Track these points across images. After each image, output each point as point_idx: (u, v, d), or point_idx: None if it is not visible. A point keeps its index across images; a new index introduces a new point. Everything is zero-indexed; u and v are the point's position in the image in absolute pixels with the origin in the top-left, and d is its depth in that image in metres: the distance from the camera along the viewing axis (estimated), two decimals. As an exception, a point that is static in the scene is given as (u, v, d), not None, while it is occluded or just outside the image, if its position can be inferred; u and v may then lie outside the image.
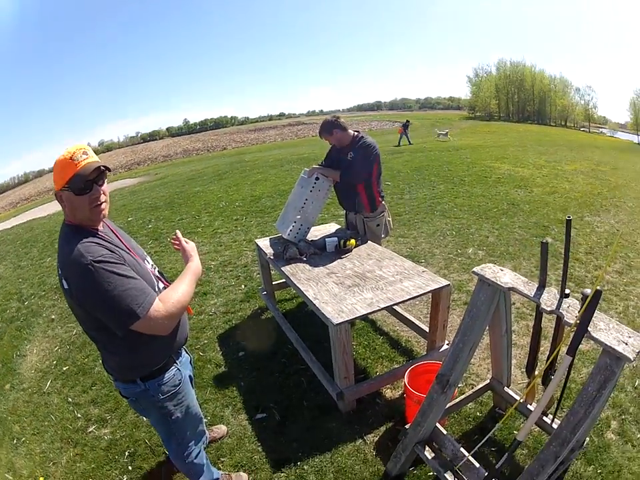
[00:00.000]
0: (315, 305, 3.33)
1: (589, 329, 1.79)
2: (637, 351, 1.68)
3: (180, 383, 2.28)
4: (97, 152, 1.98)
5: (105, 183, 1.97)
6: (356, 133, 4.44)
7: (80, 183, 1.82)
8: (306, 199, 4.34)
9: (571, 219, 1.92)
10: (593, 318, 1.80)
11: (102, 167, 1.89)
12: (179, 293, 1.96)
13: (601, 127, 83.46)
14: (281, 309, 5.18)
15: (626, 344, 1.70)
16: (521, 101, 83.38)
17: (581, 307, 1.79)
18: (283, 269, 4.03)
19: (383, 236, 4.76)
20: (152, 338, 1.96)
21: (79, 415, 3.86)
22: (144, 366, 2.11)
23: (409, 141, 25.86)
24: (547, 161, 15.77)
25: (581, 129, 71.36)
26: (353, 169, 4.28)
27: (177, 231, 2.47)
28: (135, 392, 2.17)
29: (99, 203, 1.92)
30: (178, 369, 2.28)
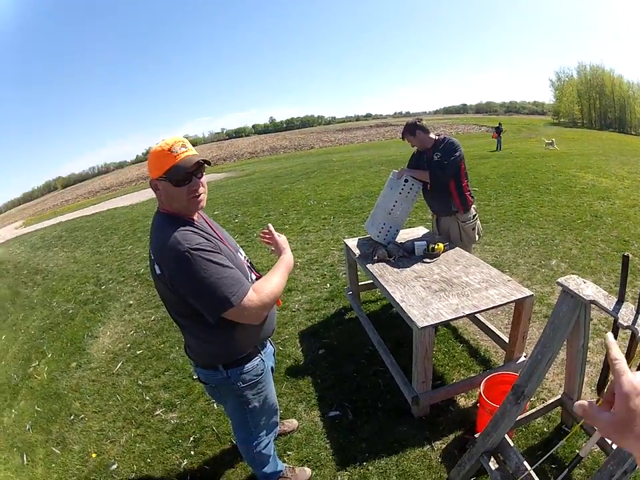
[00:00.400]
0: (401, 307, 3.37)
1: None
2: None
3: (262, 373, 2.33)
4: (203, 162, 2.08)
5: (204, 175, 2.03)
6: (438, 137, 4.47)
7: (179, 175, 1.87)
8: (395, 201, 4.38)
9: None
10: None
11: (201, 161, 1.94)
12: (272, 283, 2.02)
13: (681, 136, 79.37)
14: (365, 310, 5.22)
15: None
16: (602, 107, 79.92)
17: None
18: (370, 269, 4.11)
19: (476, 240, 4.77)
20: (241, 327, 2.05)
21: (147, 398, 4.03)
22: (229, 353, 2.16)
23: (499, 146, 24.62)
24: (629, 171, 15.15)
25: None
26: (442, 167, 4.29)
27: (269, 224, 2.57)
28: (215, 378, 2.23)
29: (197, 194, 1.98)
30: (262, 359, 2.33)
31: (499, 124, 26.70)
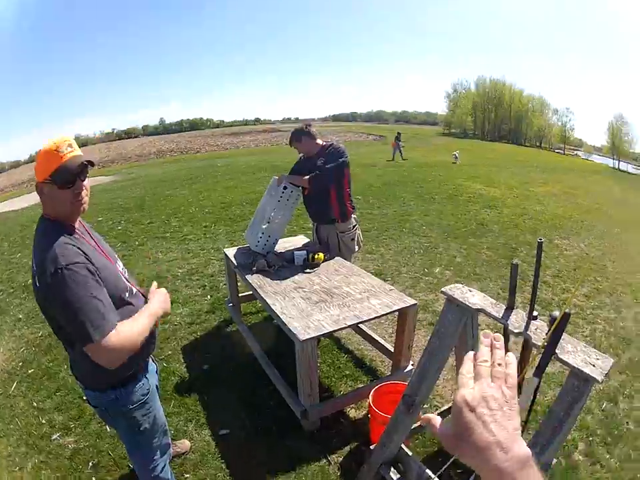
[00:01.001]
0: (281, 319, 3.28)
1: (556, 351, 1.79)
2: (605, 372, 1.68)
3: (148, 392, 2.23)
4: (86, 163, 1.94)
5: (87, 178, 1.94)
6: (325, 143, 4.43)
7: (64, 176, 1.79)
8: (274, 209, 4.31)
9: (542, 241, 1.91)
10: (560, 340, 1.80)
11: (86, 162, 1.87)
12: (135, 330, 1.88)
13: (577, 150, 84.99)
14: (246, 321, 5.12)
15: (593, 365, 1.71)
16: (497, 119, 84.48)
17: (549, 329, 1.77)
18: (250, 280, 3.98)
19: (356, 250, 4.73)
20: None
21: (44, 421, 3.79)
22: (115, 373, 1.98)
23: (401, 156, 24.21)
24: (519, 181, 16.00)
25: (556, 151, 72.55)
26: (323, 172, 4.23)
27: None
28: (104, 401, 2.11)
29: (80, 198, 1.89)
30: (146, 377, 2.24)
31: (398, 133, 26.43)
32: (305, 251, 4.29)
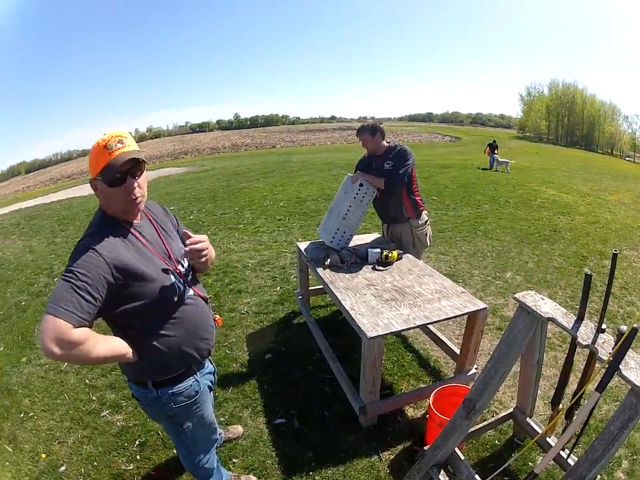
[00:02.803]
0: (350, 315, 3.29)
1: (620, 366, 1.74)
2: None
3: (196, 395, 2.19)
4: (144, 138, 1.93)
5: (144, 174, 1.90)
6: (389, 144, 4.43)
7: (112, 175, 1.75)
8: (350, 206, 4.30)
9: (617, 253, 1.88)
10: (625, 356, 1.76)
11: (135, 159, 1.81)
12: (95, 352, 1.68)
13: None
14: (314, 315, 5.15)
15: None
16: (570, 124, 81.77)
17: (616, 344, 1.75)
18: (322, 274, 4.01)
19: (428, 245, 4.76)
20: (167, 343, 1.97)
21: (94, 398, 3.89)
22: (157, 371, 2.04)
23: (492, 165, 20.69)
24: (592, 189, 15.47)
25: (626, 158, 69.75)
26: (395, 175, 4.24)
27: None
28: (146, 397, 2.10)
29: (133, 197, 1.84)
30: (197, 380, 2.20)
31: (493, 141, 22.85)
32: (378, 249, 4.27)
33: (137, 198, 1.86)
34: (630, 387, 1.71)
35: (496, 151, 21.21)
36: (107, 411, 3.72)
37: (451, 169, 18.93)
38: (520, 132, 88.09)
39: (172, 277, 1.99)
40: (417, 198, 4.47)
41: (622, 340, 1.70)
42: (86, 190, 17.60)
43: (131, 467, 3.17)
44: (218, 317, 2.39)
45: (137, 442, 3.39)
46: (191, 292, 2.13)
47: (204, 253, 2.07)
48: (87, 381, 4.11)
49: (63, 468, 3.18)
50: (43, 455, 3.28)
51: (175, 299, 1.99)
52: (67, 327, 1.56)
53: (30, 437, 3.50)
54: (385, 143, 4.42)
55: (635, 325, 1.68)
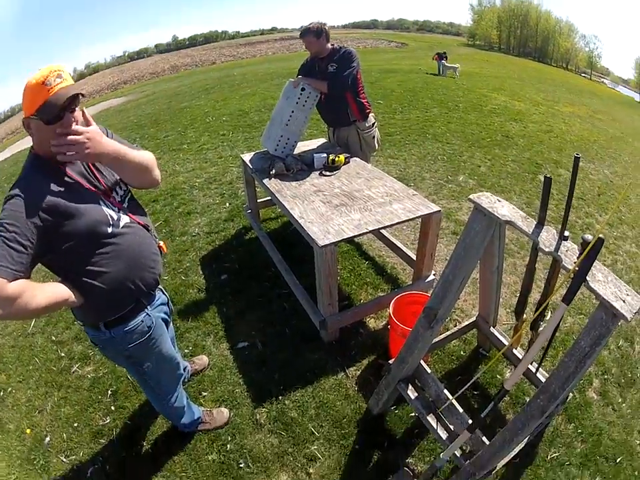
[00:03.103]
0: (300, 224, 3.22)
1: (587, 278, 1.66)
2: (635, 310, 1.56)
3: (150, 330, 2.13)
4: (83, 75, 1.78)
5: (77, 109, 1.76)
6: (333, 46, 4.27)
7: (51, 112, 1.64)
8: (292, 111, 4.15)
9: (579, 157, 1.77)
10: (592, 267, 1.67)
11: (76, 94, 1.69)
12: (35, 303, 1.62)
13: (603, 77, 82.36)
14: (265, 228, 5.07)
15: (623, 301, 1.59)
16: (523, 36, 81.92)
17: (581, 253, 1.65)
18: (268, 185, 3.89)
19: (376, 148, 4.66)
20: (107, 280, 1.88)
21: (63, 354, 3.80)
22: (103, 310, 1.98)
23: (440, 71, 20.50)
24: (545, 99, 15.52)
25: (582, 75, 70.55)
26: (339, 77, 4.10)
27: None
28: (101, 339, 2.05)
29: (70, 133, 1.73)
30: (147, 314, 2.13)
31: (444, 52, 22.23)
32: (324, 154, 4.14)
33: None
34: (599, 301, 1.64)
35: (444, 59, 20.71)
36: (77, 365, 3.64)
37: (397, 73, 18.65)
38: (469, 40, 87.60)
39: (103, 207, 1.89)
40: (363, 100, 4.34)
41: (588, 249, 1.61)
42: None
43: (108, 421, 3.13)
44: (162, 243, 2.26)
45: (109, 392, 3.33)
46: (127, 219, 2.01)
47: (75, 147, 1.71)
48: (53, 337, 4.02)
49: (47, 439, 3.11)
50: (28, 430, 3.20)
51: (109, 230, 1.88)
52: (2, 283, 1.49)
53: (12, 414, 3.40)
54: (329, 45, 4.25)
55: (600, 235, 1.58)
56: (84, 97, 1.79)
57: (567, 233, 1.85)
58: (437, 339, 2.95)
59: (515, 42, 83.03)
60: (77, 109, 1.74)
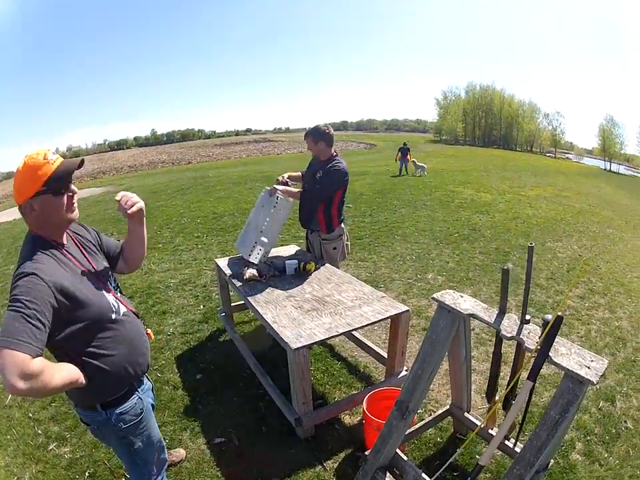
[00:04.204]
0: (273, 328, 3.28)
1: (550, 354, 1.81)
2: (600, 374, 1.70)
3: (142, 412, 2.19)
4: (64, 157, 1.94)
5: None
6: (333, 154, 4.43)
7: (61, 181, 1.80)
8: (267, 219, 4.26)
9: (533, 246, 1.94)
10: (554, 343, 1.81)
11: (82, 160, 1.90)
12: (54, 382, 1.62)
13: (567, 153, 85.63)
14: (239, 331, 5.10)
15: (588, 367, 1.73)
16: (487, 125, 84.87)
17: (542, 333, 1.80)
18: (241, 290, 3.97)
19: (340, 259, 4.76)
20: (110, 363, 1.94)
21: (39, 432, 3.76)
22: (102, 392, 2.02)
23: (401, 171, 20.60)
24: (510, 186, 16.03)
25: (547, 154, 73.02)
26: (314, 191, 4.28)
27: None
28: (95, 420, 2.07)
29: (74, 201, 1.91)
30: (140, 397, 2.19)
31: (404, 144, 21.85)
32: (296, 260, 4.28)
33: (74, 203, 1.93)
34: (564, 372, 1.78)
35: (408, 155, 20.84)
36: (54, 444, 3.60)
37: (366, 175, 19.27)
38: (436, 135, 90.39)
39: (106, 295, 2.00)
40: (333, 214, 4.45)
41: (547, 328, 1.76)
42: (10, 215, 16.97)
43: (85, 501, 3.07)
44: (149, 330, 2.38)
45: (87, 474, 3.29)
46: (124, 308, 2.12)
47: (134, 200, 2.10)
48: (30, 414, 4.00)
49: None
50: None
51: (113, 316, 1.99)
52: (26, 359, 1.50)
53: (-8, 475, 3.40)
54: (332, 150, 4.44)
55: (559, 313, 1.72)
56: (83, 164, 1.95)
57: (528, 317, 2.00)
58: (411, 429, 3.00)
59: (480, 132, 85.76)
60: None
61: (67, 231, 2.02)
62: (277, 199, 4.25)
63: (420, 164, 20.31)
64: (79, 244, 2.07)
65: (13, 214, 17.30)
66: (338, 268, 4.58)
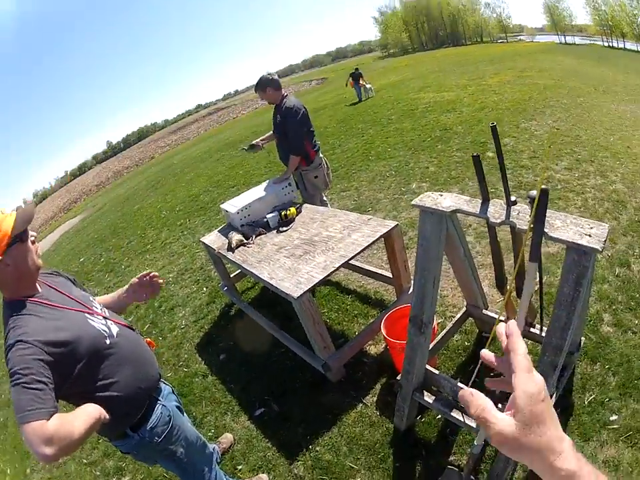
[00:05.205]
0: (272, 284, 3.26)
1: (545, 229, 1.72)
2: (603, 239, 1.64)
3: (170, 418, 2.19)
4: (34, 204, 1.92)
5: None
6: (283, 94, 4.56)
7: (23, 227, 1.78)
8: (271, 194, 4.47)
9: (494, 125, 1.87)
10: (547, 218, 1.74)
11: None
12: (77, 431, 1.60)
13: (519, 35, 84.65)
14: (245, 299, 5.12)
15: (589, 235, 1.67)
16: (431, 28, 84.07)
17: (531, 210, 1.74)
18: (232, 258, 3.94)
19: (323, 188, 4.84)
20: (121, 388, 1.94)
21: (98, 473, 3.79)
22: (126, 417, 2.03)
23: (360, 95, 19.66)
24: (470, 79, 15.87)
25: (499, 41, 72.27)
26: (293, 143, 4.49)
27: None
28: (132, 445, 2.08)
29: (36, 245, 1.90)
30: (163, 405, 2.19)
31: (355, 69, 20.67)
32: (276, 212, 4.24)
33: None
34: (566, 246, 1.73)
35: (361, 80, 19.64)
36: (114, 478, 3.67)
37: (325, 109, 19.26)
38: (383, 51, 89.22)
39: (94, 321, 1.98)
40: (307, 149, 4.59)
41: (535, 204, 1.68)
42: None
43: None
44: (149, 339, 2.37)
45: None
46: (116, 327, 2.10)
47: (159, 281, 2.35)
48: (84, 460, 4.01)
49: None
50: None
51: (108, 342, 1.97)
52: (42, 425, 1.50)
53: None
54: (283, 91, 4.59)
55: (543, 186, 1.67)
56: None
57: (513, 198, 1.94)
58: (435, 341, 3.00)
59: (426, 37, 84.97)
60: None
61: (38, 279, 1.98)
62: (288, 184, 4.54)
63: (367, 85, 19.50)
64: (51, 285, 2.03)
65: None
66: (324, 198, 4.72)
